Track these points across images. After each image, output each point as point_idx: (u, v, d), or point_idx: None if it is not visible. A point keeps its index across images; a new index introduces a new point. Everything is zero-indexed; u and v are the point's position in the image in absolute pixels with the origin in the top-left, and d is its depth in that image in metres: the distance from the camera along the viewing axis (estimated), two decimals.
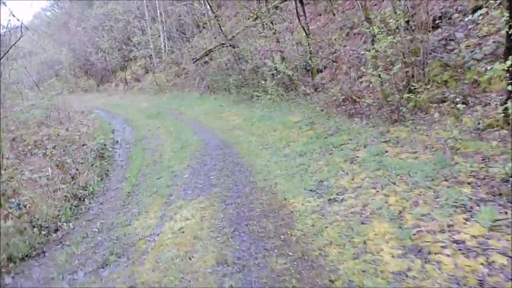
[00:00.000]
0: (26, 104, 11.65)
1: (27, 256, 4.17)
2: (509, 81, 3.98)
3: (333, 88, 8.01)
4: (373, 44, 7.01)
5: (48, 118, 11.36)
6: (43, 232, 4.47)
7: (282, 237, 3.59)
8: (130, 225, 4.52)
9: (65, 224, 4.71)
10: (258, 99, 9.88)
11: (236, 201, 4.65)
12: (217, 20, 13.84)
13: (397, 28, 6.21)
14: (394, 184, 4.14)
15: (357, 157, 5.19)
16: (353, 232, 3.38)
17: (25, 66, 16.62)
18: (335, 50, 9.38)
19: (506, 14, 3.99)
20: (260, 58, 11.71)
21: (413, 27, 6.58)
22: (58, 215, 4.83)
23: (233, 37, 13.37)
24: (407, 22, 6.64)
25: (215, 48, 14.54)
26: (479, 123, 4.83)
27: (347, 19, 9.66)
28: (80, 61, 28.00)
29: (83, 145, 8.31)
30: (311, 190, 4.51)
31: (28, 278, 3.79)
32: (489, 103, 5.18)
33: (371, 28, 6.11)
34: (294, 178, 4.98)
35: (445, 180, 3.95)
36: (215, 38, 15.34)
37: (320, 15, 12.02)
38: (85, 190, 6.02)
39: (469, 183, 3.77)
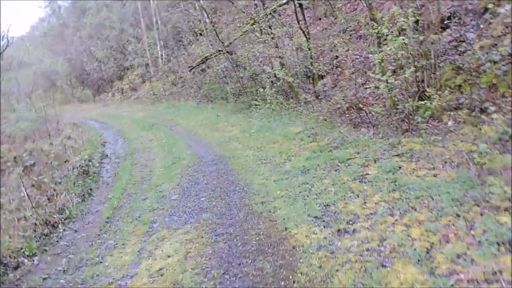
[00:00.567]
0: (12, 116, 11.11)
1: None
2: None
3: (336, 95, 7.53)
4: (380, 47, 6.45)
5: (36, 131, 10.79)
6: (1, 270, 3.79)
7: (283, 283, 2.90)
8: (102, 262, 3.82)
9: (27, 259, 4.02)
10: (257, 108, 9.44)
11: (228, 230, 3.97)
12: (214, 26, 13.39)
13: (404, 29, 5.67)
14: (415, 210, 3.48)
15: (367, 174, 4.54)
16: (372, 280, 2.67)
17: (15, 77, 16.13)
18: (338, 54, 8.93)
19: None
20: (258, 65, 11.19)
21: (421, 28, 6.04)
22: (22, 248, 4.15)
23: (230, 43, 12.99)
24: (416, 22, 6.08)
25: (211, 55, 14.15)
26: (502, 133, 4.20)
27: (351, 20, 9.11)
28: (76, 71, 27.56)
29: (65, 161, 7.66)
30: (316, 217, 3.84)
31: None
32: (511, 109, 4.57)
33: (379, 28, 5.51)
34: (296, 202, 4.31)
35: (476, 205, 3.28)
36: (212, 45, 14.88)
37: (320, 19, 11.59)
38: (61, 214, 5.37)
39: (505, 210, 3.11)
